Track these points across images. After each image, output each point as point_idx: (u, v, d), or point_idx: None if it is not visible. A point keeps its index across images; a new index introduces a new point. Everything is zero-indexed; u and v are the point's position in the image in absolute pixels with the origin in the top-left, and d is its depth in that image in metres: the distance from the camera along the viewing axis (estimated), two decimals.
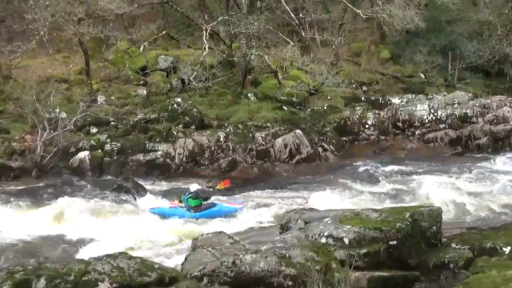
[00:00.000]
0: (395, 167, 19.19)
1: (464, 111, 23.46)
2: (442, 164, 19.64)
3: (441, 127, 22.73)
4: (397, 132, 22.92)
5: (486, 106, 24.17)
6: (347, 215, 8.35)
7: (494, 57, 29.20)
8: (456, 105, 24.26)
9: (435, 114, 23.20)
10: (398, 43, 30.32)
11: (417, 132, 22.65)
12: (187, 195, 14.13)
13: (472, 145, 21.74)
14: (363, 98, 25.69)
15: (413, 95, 26.48)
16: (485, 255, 7.92)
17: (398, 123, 23.02)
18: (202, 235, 9.67)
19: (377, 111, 23.72)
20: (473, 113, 23.38)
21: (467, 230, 10.83)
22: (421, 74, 29.19)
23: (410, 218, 7.94)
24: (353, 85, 26.73)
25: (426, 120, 23.04)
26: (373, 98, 25.93)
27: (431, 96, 26.45)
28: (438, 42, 29.30)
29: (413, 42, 29.62)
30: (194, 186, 14.48)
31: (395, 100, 25.64)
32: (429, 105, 23.71)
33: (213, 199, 14.70)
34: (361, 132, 22.39)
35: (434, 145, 22.11)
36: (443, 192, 15.78)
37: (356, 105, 24.35)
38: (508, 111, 23.36)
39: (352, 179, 17.77)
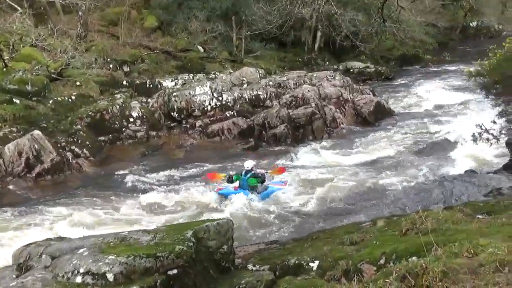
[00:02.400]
0: (172, 172, 19.76)
1: (255, 92, 25.11)
2: (232, 163, 20.73)
3: (228, 115, 24.00)
4: (172, 125, 23.59)
5: (282, 85, 26.22)
6: (110, 241, 8.22)
7: (287, 23, 31.54)
8: (245, 86, 25.81)
9: (220, 98, 24.39)
10: (168, 7, 31.03)
11: (198, 124, 23.58)
12: (247, 175, 17.24)
13: (268, 135, 23.37)
14: (125, 82, 25.82)
15: (191, 75, 27.38)
16: (289, 274, 8.44)
17: (173, 113, 23.68)
18: None
19: (144, 99, 24.09)
20: (267, 95, 25.14)
21: (266, 246, 11.62)
22: (199, 47, 30.34)
23: (194, 237, 8.12)
24: (111, 65, 26.69)
25: (209, 107, 24.10)
26: (138, 81, 26.23)
27: (214, 76, 27.60)
28: (218, 5, 30.70)
29: (187, 5, 30.59)
30: (250, 163, 17.66)
31: (168, 83, 26.25)
32: (211, 88, 24.75)
33: None
34: (124, 128, 22.45)
35: (221, 139, 23.24)
36: (234, 200, 16.80)
37: (116, 92, 24.38)
38: (308, 90, 25.65)
39: (115, 193, 17.83)
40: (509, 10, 52.95)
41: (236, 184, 17.46)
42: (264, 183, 17.59)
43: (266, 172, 18.48)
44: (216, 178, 18.43)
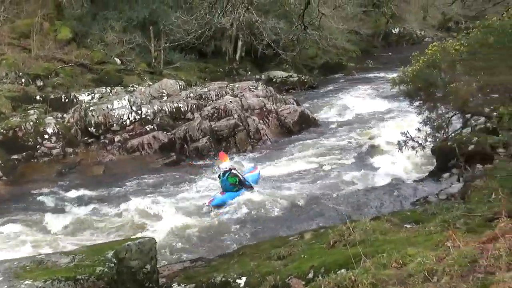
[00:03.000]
0: (90, 190, 19.65)
1: (176, 105, 25.21)
2: (153, 179, 20.80)
3: (148, 129, 24.02)
4: (90, 141, 23.39)
5: (204, 96, 26.38)
6: (26, 265, 8.17)
7: (207, 32, 31.76)
8: (165, 98, 25.84)
9: (139, 112, 24.38)
10: (82, 18, 30.78)
11: (117, 139, 23.47)
12: (226, 175, 18.18)
13: (190, 149, 23.52)
14: (38, 97, 25.45)
15: (108, 88, 27.21)
16: None
17: (90, 129, 23.50)
18: None
19: (60, 114, 23.82)
20: (188, 107, 25.29)
21: (191, 263, 11.76)
22: (116, 59, 30.22)
23: (115, 258, 8.16)
24: (23, 80, 26.27)
25: (128, 122, 24.04)
26: (52, 96, 25.89)
27: (132, 88, 27.51)
28: (135, 15, 30.70)
29: (102, 15, 30.46)
30: (227, 164, 18.67)
31: (84, 97, 26.02)
32: (129, 101, 24.70)
33: None
34: (39, 146, 22.14)
35: (141, 154, 23.24)
36: (153, 217, 16.89)
37: (29, 107, 24.02)
38: (230, 101, 25.91)
39: (30, 214, 17.55)
40: (430, 16, 54.83)
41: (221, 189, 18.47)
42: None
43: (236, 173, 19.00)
44: (225, 159, 19.63)
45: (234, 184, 18.37)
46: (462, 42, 17.53)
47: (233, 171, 18.57)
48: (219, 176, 18.69)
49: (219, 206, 17.77)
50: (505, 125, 11.22)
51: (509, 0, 13.31)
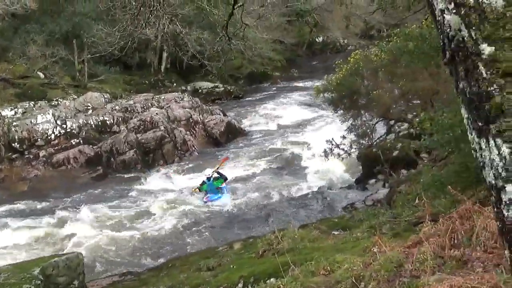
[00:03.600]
0: (15, 207, 19.47)
1: (101, 118, 25.15)
2: (80, 193, 20.67)
3: (74, 142, 23.87)
4: (14, 156, 23.04)
5: (129, 109, 26.43)
6: None
7: (130, 44, 31.60)
8: (90, 111, 25.71)
9: (64, 126, 24.21)
10: (3, 31, 30.24)
11: (42, 154, 23.21)
12: (211, 180, 20.11)
13: (117, 162, 23.51)
14: None
15: (31, 103, 26.77)
16: None
17: (14, 144, 23.16)
18: None
19: None
20: (114, 120, 25.27)
21: (120, 278, 11.83)
22: (39, 73, 29.76)
23: (42, 275, 8.18)
24: None
25: (53, 136, 23.81)
26: None
27: (56, 102, 27.17)
28: (57, 28, 30.32)
29: (24, 29, 29.99)
30: (208, 171, 20.71)
31: (7, 112, 25.49)
32: (54, 115, 24.47)
33: None
34: None
35: (67, 168, 23.06)
36: (80, 232, 16.84)
37: None
38: (156, 113, 25.99)
39: None
40: (353, 25, 55.93)
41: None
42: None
43: (217, 171, 20.85)
44: (223, 163, 22.38)
45: (219, 187, 20.12)
46: (383, 49, 18.05)
47: (215, 174, 20.43)
48: (203, 183, 20.36)
49: (213, 200, 19.70)
50: (427, 131, 11.62)
51: (425, 10, 13.81)
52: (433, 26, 11.06)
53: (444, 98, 14.34)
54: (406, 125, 21.40)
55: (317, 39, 56.63)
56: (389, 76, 19.49)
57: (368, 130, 20.23)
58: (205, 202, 19.66)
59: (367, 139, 20.16)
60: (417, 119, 17.39)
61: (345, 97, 20.26)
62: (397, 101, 19.98)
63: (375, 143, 20.30)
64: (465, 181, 9.33)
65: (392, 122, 21.30)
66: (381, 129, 21.67)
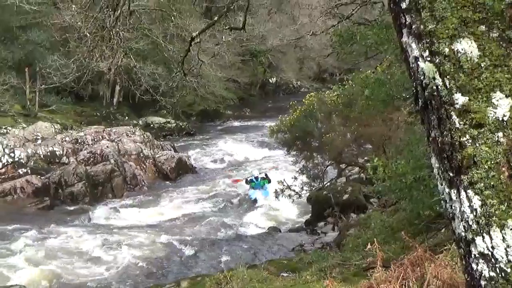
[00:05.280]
0: None
1: (50, 148, 24.76)
2: (25, 224, 20.11)
3: (21, 172, 23.39)
4: None
5: (80, 140, 26.11)
6: None
7: (85, 75, 31.39)
8: (39, 142, 25.30)
9: (12, 155, 23.75)
10: None
11: None
12: (259, 180, 24.25)
13: (64, 194, 23.07)
14: None
15: None
16: None
17: None
18: None
19: None
20: (63, 151, 24.89)
21: None
22: None
23: None
24: None
25: (0, 165, 23.33)
26: None
27: (5, 131, 26.81)
28: (10, 55, 30.04)
29: None
30: (256, 172, 25.44)
31: None
32: (2, 143, 24.02)
33: None
34: None
35: (13, 198, 22.55)
36: (24, 264, 16.33)
37: None
38: (107, 146, 25.70)
39: None
40: (306, 67, 56.59)
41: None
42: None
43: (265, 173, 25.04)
44: (239, 181, 25.58)
45: (263, 185, 23.90)
46: (338, 93, 18.21)
47: (262, 175, 24.76)
48: (251, 181, 24.28)
49: (255, 201, 23.21)
50: (379, 176, 11.69)
51: (380, 56, 14.02)
52: (391, 71, 11.21)
53: (397, 145, 14.47)
54: (356, 169, 21.59)
55: (270, 80, 57.02)
56: (342, 120, 19.66)
57: (320, 173, 20.29)
58: (249, 195, 23.66)
59: (318, 181, 20.20)
60: (368, 164, 17.52)
61: (298, 138, 20.34)
62: (350, 145, 20.15)
63: (326, 185, 20.36)
64: (415, 228, 9.38)
65: (343, 165, 21.45)
66: (332, 172, 21.80)
